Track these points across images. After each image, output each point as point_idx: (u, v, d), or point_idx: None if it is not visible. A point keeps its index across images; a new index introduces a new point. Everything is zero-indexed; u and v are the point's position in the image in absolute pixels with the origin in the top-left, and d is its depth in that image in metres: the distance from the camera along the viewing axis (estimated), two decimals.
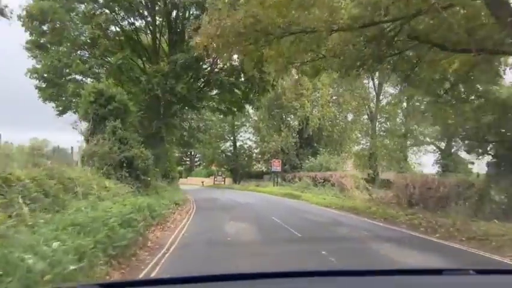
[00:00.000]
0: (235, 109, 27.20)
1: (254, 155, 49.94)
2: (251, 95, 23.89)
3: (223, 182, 50.69)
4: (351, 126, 43.26)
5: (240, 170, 48.96)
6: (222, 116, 50.22)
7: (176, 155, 49.11)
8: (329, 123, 43.36)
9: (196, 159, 69.11)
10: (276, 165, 36.21)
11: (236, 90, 24.79)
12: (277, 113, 42.25)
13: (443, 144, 56.65)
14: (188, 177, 66.50)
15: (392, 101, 52.17)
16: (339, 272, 1.99)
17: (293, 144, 41.57)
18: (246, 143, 51.82)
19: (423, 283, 1.90)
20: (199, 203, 21.61)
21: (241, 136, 52.84)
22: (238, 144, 52.43)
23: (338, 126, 43.71)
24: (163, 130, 21.88)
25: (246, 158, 50.03)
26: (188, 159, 70.46)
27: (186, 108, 26.99)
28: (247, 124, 51.49)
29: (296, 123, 42.21)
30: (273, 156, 46.21)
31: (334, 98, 42.07)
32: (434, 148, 58.56)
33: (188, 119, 38.21)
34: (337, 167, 34.68)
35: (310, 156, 39.71)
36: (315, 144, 43.04)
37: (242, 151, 50.98)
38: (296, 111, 40.55)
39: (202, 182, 54.51)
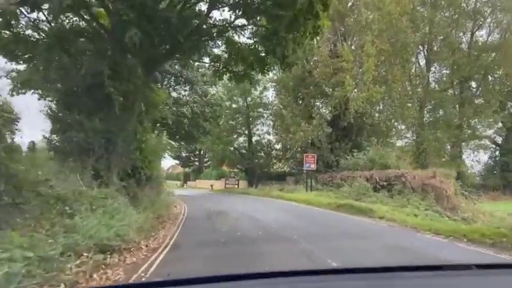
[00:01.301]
0: (255, 69, 16.22)
1: (274, 152, 39.10)
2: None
3: (236, 186, 40.08)
4: (402, 113, 32.08)
5: (257, 171, 38.19)
6: (231, 84, 39.56)
7: (168, 147, 38.24)
8: (376, 108, 32.37)
9: (206, 159, 58.60)
10: (310, 161, 25.43)
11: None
12: (306, 94, 31.36)
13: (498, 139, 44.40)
14: (197, 180, 56.00)
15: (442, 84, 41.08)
16: (342, 270, 1.90)
17: (326, 136, 30.68)
18: (264, 138, 41.06)
19: (424, 279, 1.85)
20: (187, 231, 10.87)
21: (257, 130, 42.12)
22: (254, 139, 41.72)
23: (386, 112, 32.66)
24: (116, 86, 11.09)
25: (264, 156, 39.21)
26: (196, 159, 59.99)
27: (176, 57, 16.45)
28: (266, 113, 40.78)
29: (328, 110, 31.29)
30: (299, 151, 35.42)
31: (381, 73, 30.95)
32: (487, 143, 46.94)
33: (189, 100, 27.77)
34: (398, 164, 23.65)
35: (353, 151, 28.81)
36: (354, 137, 32.07)
37: (259, 147, 40.20)
38: (332, 91, 29.63)
39: (211, 186, 43.91)
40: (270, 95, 39.85)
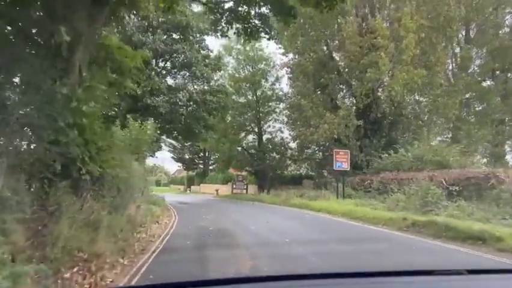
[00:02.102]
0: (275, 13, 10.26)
1: (289, 151, 33.12)
2: None
3: (244, 191, 34.18)
4: (445, 103, 25.99)
5: (269, 173, 32.26)
6: (238, 73, 33.97)
7: (165, 145, 32.18)
8: (412, 97, 26.45)
9: (212, 161, 52.81)
10: (342, 160, 19.67)
11: None
12: (329, 80, 25.45)
13: None
14: (201, 184, 50.20)
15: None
16: (333, 275, 1.86)
17: (354, 131, 24.76)
18: (276, 136, 35.10)
19: (414, 284, 1.82)
20: None
21: (268, 126, 36.23)
22: (265, 137, 35.86)
23: (426, 102, 26.67)
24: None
25: (278, 156, 33.25)
26: (201, 161, 54.21)
27: None
28: (279, 107, 34.96)
29: (356, 100, 25.37)
30: (319, 150, 29.59)
31: (419, 55, 24.94)
32: None
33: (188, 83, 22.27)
34: (464, 162, 17.57)
35: (386, 149, 22.95)
36: (387, 132, 26.13)
37: (271, 146, 34.28)
38: (362, 74, 23.73)
39: (216, 191, 38.05)
40: (284, 85, 34.01)
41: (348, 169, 20.09)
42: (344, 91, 26.17)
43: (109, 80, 9.30)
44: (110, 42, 9.27)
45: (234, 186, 34.48)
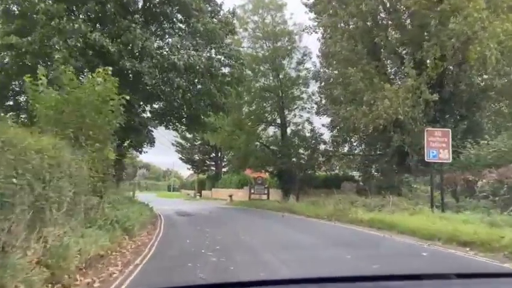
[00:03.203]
0: None
1: (322, 146, 25.42)
2: None
3: (265, 196, 26.63)
4: None
5: (297, 174, 24.60)
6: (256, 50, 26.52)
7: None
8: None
9: (225, 162, 45.38)
10: (439, 145, 11.79)
11: None
12: (385, 39, 17.77)
13: None
14: (213, 189, 42.81)
15: None
16: (318, 279, 1.74)
17: (422, 111, 17.09)
18: (304, 128, 27.45)
19: None
20: None
21: (294, 116, 28.62)
22: (289, 130, 28.29)
23: None
24: None
25: (308, 152, 25.56)
26: (213, 162, 46.82)
27: None
28: (308, 92, 27.43)
29: (426, 66, 17.56)
30: (364, 142, 22.12)
31: None
32: None
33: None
34: None
35: (467, 137, 15.28)
36: (465, 113, 18.42)
37: (298, 140, 26.64)
38: (437, 28, 16.06)
39: (230, 197, 30.55)
40: (311, 65, 26.43)
41: (450, 159, 12.26)
42: (408, 56, 18.30)
43: None
44: None
45: (252, 191, 26.94)
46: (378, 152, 22.40)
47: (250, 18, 28.43)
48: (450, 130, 12.94)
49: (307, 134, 25.91)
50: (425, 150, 12.12)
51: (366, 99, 16.89)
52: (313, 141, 24.92)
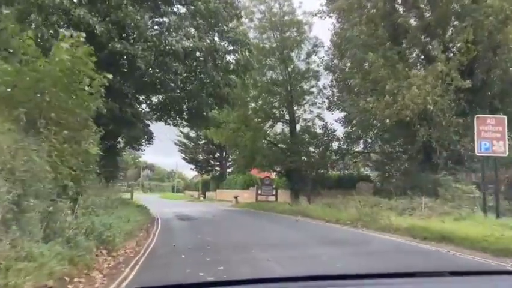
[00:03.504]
0: None
1: (336, 144, 23.38)
2: None
3: (273, 197, 24.63)
4: None
5: (309, 174, 22.60)
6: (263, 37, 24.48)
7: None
8: None
9: (230, 162, 43.42)
10: (492, 135, 9.73)
11: None
12: (407, 23, 15.76)
13: None
14: (217, 190, 40.89)
15: None
16: (312, 277, 1.74)
17: (451, 101, 15.07)
18: (315, 124, 25.47)
19: (397, 286, 1.76)
20: None
21: (304, 112, 26.60)
22: (298, 126, 26.29)
23: None
24: None
25: (320, 151, 23.53)
26: (217, 162, 44.90)
27: None
28: (318, 86, 25.47)
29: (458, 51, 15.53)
30: (379, 138, 20.24)
31: None
32: None
33: None
34: None
35: None
36: (497, 104, 16.35)
37: (309, 137, 24.63)
38: (472, 5, 14.03)
39: (235, 198, 28.61)
40: (325, 53, 24.33)
41: (506, 153, 10.20)
42: (433, 41, 16.23)
43: None
44: None
45: (259, 192, 24.95)
46: (397, 149, 20.38)
47: (257, 7, 26.51)
48: (506, 117, 10.87)
49: (319, 131, 23.90)
50: (476, 142, 10.08)
51: (389, 88, 14.87)
52: (325, 138, 22.88)
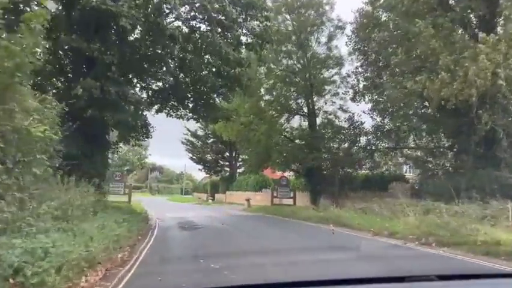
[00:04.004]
0: None
1: (364, 140, 20.08)
2: None
3: (289, 199, 21.41)
4: None
5: (334, 173, 19.38)
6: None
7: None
8: None
9: (240, 162, 40.31)
10: None
11: None
12: None
13: None
14: (227, 192, 37.84)
15: None
16: (302, 283, 1.75)
17: None
18: (338, 117, 22.28)
19: None
20: None
21: (325, 103, 23.40)
22: (319, 119, 23.13)
23: None
24: None
25: (343, 146, 20.29)
26: (227, 162, 41.85)
27: None
28: (341, 74, 22.33)
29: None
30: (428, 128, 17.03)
31: None
32: None
33: None
34: None
35: None
36: None
37: (331, 131, 21.41)
38: None
39: (248, 201, 25.53)
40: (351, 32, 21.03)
41: None
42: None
43: None
44: None
45: (275, 194, 21.76)
46: (441, 143, 17.07)
47: None
48: None
49: (342, 124, 20.68)
50: None
51: (445, 62, 11.61)
52: (352, 130, 19.63)
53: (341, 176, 19.07)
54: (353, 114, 20.15)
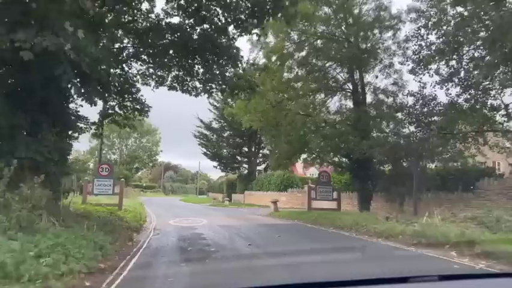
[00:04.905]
0: None
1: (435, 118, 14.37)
2: None
3: (332, 202, 15.92)
4: None
5: (414, 168, 13.77)
6: None
7: None
8: None
9: (260, 158, 34.91)
10: None
11: None
12: None
13: None
14: (246, 192, 32.53)
15: None
16: (304, 285, 1.73)
17: None
18: (396, 94, 16.72)
19: None
20: None
21: (375, 78, 17.88)
22: (369, 97, 17.60)
23: None
24: None
25: (418, 131, 14.64)
26: (245, 158, 36.47)
27: None
28: (398, 39, 17.02)
29: None
30: None
31: None
32: None
33: None
34: None
35: None
36: None
37: (389, 114, 15.81)
38: None
39: (274, 203, 20.13)
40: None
41: None
42: None
43: None
44: None
45: (313, 195, 16.25)
46: None
47: None
48: None
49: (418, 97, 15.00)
50: None
51: None
52: (426, 107, 13.98)
53: (420, 172, 13.32)
54: (424, 84, 14.44)
